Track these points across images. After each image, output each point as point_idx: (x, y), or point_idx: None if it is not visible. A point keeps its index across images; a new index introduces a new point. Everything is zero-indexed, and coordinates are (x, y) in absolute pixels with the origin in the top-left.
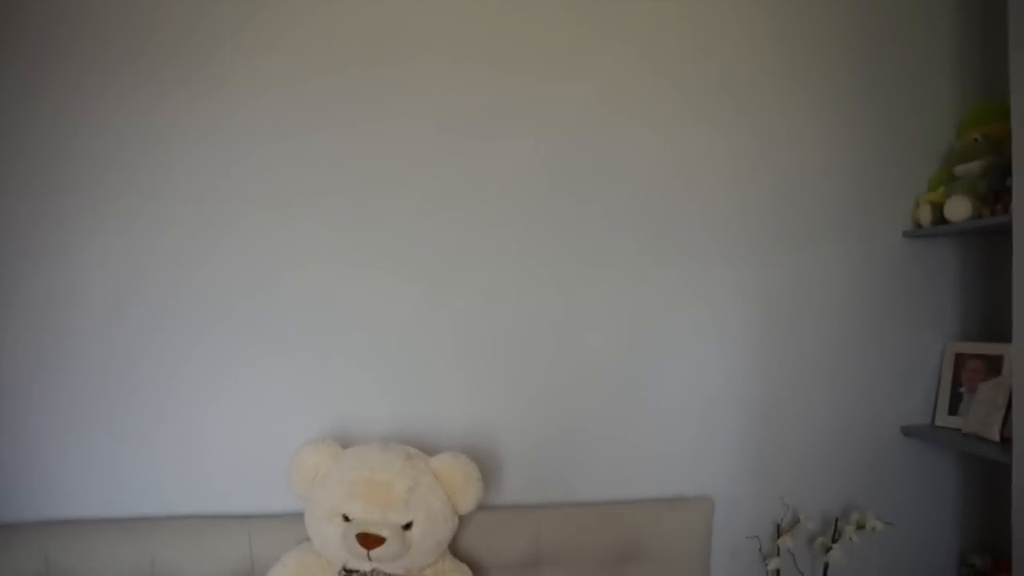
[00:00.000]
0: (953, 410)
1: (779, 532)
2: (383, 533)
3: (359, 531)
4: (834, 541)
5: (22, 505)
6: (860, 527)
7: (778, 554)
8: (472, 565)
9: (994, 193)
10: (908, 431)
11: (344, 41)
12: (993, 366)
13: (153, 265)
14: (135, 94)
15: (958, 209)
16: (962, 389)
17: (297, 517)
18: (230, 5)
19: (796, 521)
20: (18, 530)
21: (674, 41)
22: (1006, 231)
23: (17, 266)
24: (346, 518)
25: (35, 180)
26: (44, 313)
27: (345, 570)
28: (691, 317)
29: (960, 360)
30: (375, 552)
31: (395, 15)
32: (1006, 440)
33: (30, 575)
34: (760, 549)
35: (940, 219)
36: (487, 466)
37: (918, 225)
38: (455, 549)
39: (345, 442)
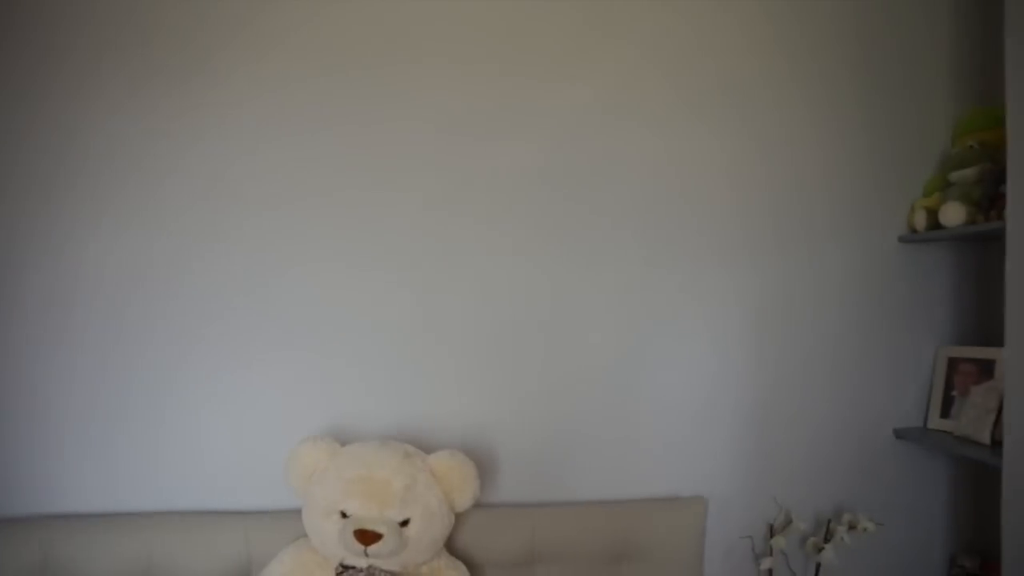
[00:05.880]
0: (945, 413)
1: (772, 532)
2: (380, 529)
3: (357, 527)
4: (826, 541)
5: (22, 499)
6: (852, 528)
7: (771, 554)
8: (468, 563)
9: (989, 199)
10: (900, 433)
11: (344, 43)
12: (985, 370)
13: (152, 263)
14: (134, 95)
15: (953, 215)
16: (954, 392)
17: (294, 513)
18: (230, 6)
19: (789, 521)
20: (17, 524)
21: (675, 45)
22: (1000, 237)
23: (17, 265)
24: (344, 515)
25: (35, 181)
26: (43, 311)
27: (342, 566)
28: (687, 319)
29: (953, 364)
30: (372, 548)
31: (396, 17)
32: (997, 443)
33: (29, 568)
34: (753, 549)
35: (935, 224)
36: (484, 464)
37: (913, 230)
38: (451, 547)
39: (343, 440)
